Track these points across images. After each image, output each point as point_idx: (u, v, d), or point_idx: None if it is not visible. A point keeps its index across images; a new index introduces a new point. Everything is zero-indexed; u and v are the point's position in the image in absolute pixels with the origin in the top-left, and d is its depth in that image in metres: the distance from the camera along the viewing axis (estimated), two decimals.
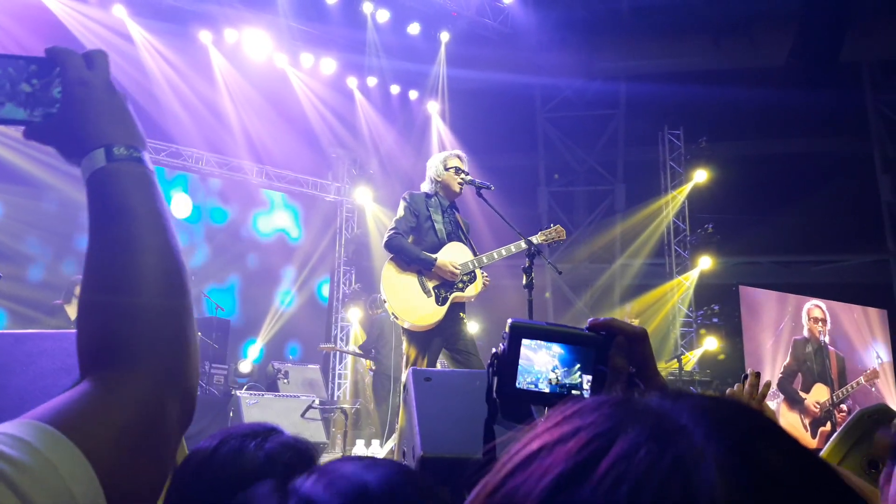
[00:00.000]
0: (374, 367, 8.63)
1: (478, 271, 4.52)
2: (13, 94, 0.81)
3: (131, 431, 0.64)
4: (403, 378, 2.78)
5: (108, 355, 0.68)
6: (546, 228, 4.62)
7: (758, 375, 2.02)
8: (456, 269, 4.42)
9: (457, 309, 4.51)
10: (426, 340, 4.41)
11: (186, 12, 9.13)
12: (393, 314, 4.42)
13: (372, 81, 10.98)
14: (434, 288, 4.42)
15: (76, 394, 0.65)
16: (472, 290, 4.50)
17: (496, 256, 4.51)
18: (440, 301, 4.40)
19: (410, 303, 4.39)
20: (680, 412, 0.41)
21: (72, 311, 6.31)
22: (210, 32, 9.55)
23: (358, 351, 9.10)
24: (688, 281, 10.27)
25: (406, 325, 4.40)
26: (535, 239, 4.46)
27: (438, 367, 4.53)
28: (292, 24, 9.82)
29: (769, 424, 0.41)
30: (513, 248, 4.45)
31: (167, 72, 9.36)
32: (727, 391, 2.04)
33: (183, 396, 0.71)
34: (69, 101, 0.81)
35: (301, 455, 1.22)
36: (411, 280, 4.44)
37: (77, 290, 6.52)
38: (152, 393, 0.67)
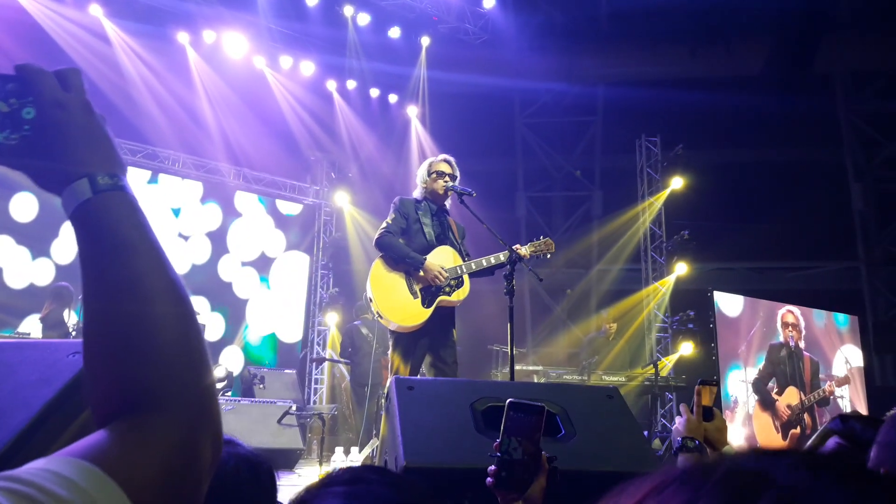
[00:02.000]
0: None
1: (465, 277, 4.53)
2: None
3: (171, 474, 0.63)
4: (386, 386, 2.77)
5: (138, 401, 0.66)
6: (535, 240, 4.66)
7: (701, 384, 2.03)
8: (443, 273, 4.43)
9: (446, 313, 4.51)
10: (412, 342, 4.41)
11: (164, 12, 9.05)
12: (378, 313, 4.40)
13: (351, 84, 10.96)
14: (421, 290, 4.43)
15: (113, 434, 0.63)
16: (459, 295, 4.50)
17: (485, 264, 4.52)
18: (426, 303, 4.40)
19: (397, 303, 4.38)
20: (770, 468, 0.39)
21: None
22: (188, 33, 9.48)
23: (339, 358, 9.09)
24: (664, 287, 10.36)
25: (392, 326, 4.40)
26: (524, 250, 4.50)
27: (424, 370, 4.52)
28: (272, 26, 9.78)
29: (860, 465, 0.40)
30: (501, 256, 4.46)
31: (144, 73, 9.26)
32: (682, 406, 2.04)
33: (213, 435, 0.69)
34: (45, 124, 0.75)
35: (254, 467, 1.22)
36: (399, 280, 4.44)
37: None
38: (188, 436, 0.66)
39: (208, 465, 0.68)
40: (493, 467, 1.49)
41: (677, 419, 1.99)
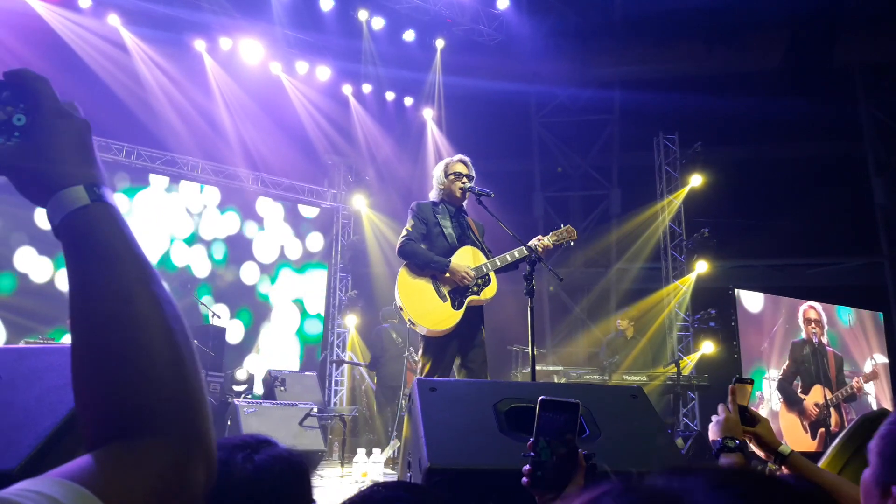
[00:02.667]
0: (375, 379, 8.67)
1: (492, 274, 4.50)
2: None
3: (161, 498, 0.62)
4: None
5: (128, 424, 0.64)
6: (556, 229, 4.61)
7: (737, 382, 1.99)
8: (469, 273, 4.40)
9: (475, 313, 4.47)
10: (443, 345, 4.38)
11: (181, 21, 9.13)
12: (409, 320, 4.35)
13: (367, 88, 10.99)
14: (449, 292, 4.39)
15: (102, 457, 0.62)
16: (488, 294, 4.47)
17: (508, 259, 4.48)
18: (456, 305, 4.37)
19: (427, 308, 4.34)
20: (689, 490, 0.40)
21: None
22: (204, 41, 9.57)
23: (359, 361, 9.12)
24: (685, 285, 10.27)
25: (423, 331, 4.36)
26: (547, 240, 4.46)
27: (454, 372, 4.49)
28: (287, 32, 9.84)
29: (768, 480, 0.41)
30: (525, 249, 4.39)
31: (162, 80, 9.35)
32: (719, 406, 2.00)
33: (206, 459, 0.68)
34: (40, 132, 0.74)
35: (294, 468, 1.23)
36: (426, 285, 4.40)
37: None
38: (179, 459, 0.65)
39: (201, 489, 0.66)
40: (527, 467, 1.45)
41: (713, 419, 1.94)
